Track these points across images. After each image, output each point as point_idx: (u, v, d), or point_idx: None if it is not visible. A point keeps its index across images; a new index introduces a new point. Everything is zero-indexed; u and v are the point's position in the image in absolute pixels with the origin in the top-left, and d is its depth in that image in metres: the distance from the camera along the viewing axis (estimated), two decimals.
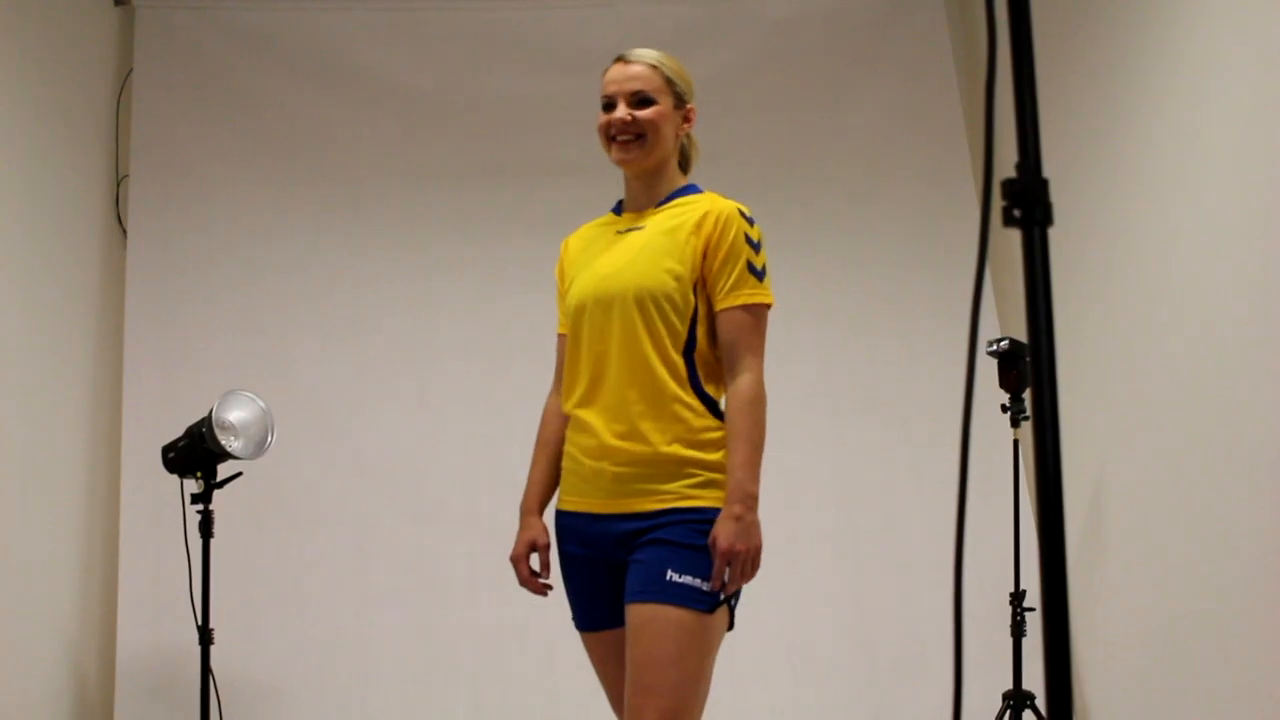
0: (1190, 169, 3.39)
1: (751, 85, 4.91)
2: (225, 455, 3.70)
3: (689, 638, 2.36)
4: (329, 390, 4.57)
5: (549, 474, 2.69)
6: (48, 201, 4.05)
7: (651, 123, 2.57)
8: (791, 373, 4.45)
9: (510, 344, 4.59)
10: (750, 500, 2.40)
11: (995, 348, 3.85)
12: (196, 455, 3.71)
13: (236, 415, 3.77)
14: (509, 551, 2.66)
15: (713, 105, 4.98)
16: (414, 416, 4.61)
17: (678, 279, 2.48)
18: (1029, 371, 1.28)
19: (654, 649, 2.35)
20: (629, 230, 2.61)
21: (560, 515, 2.63)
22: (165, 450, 3.77)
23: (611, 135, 2.59)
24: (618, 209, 2.70)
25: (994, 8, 1.31)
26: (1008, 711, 3.79)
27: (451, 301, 4.70)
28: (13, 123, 3.82)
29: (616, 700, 2.61)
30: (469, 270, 4.73)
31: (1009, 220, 1.29)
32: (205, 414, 3.72)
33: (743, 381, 2.47)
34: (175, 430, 3.80)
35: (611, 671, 2.59)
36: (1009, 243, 3.96)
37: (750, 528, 2.39)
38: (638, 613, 2.39)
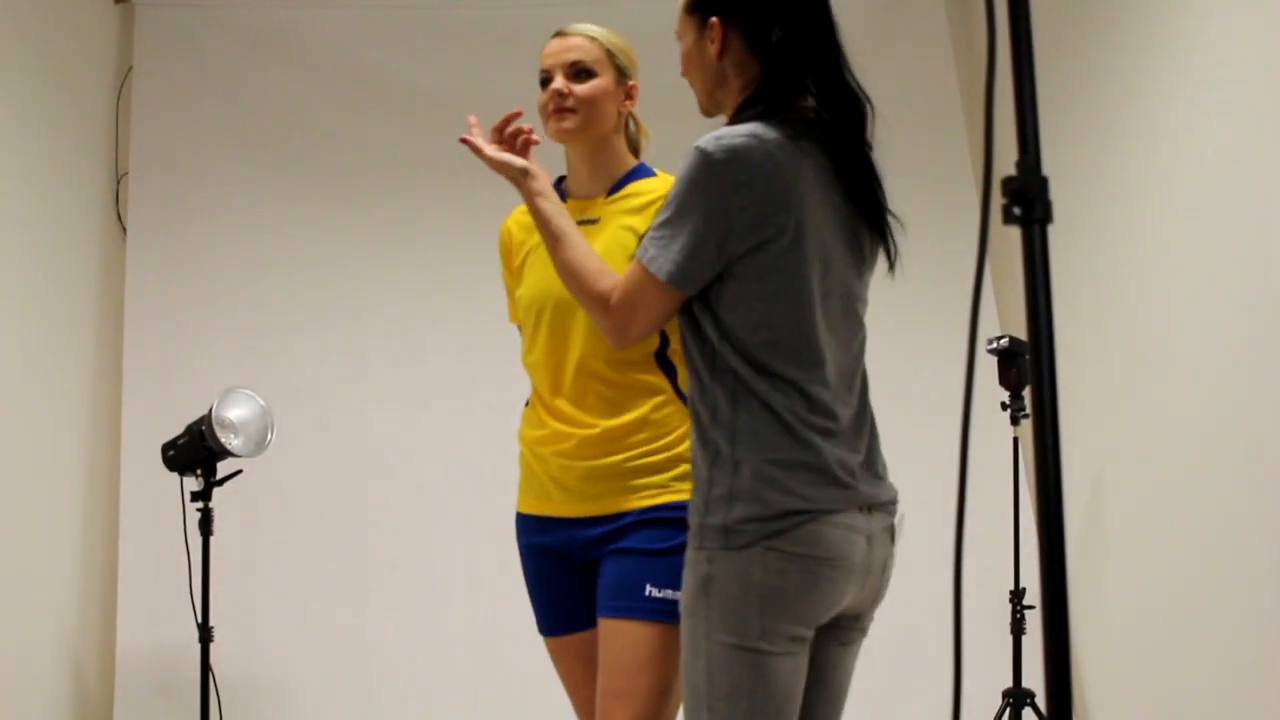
0: (1190, 166, 3.39)
1: None
2: (225, 453, 3.70)
3: (663, 648, 2.27)
4: (329, 388, 4.56)
5: None
6: (48, 199, 4.05)
7: (590, 97, 2.39)
8: None
9: (511, 343, 4.56)
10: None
11: (995, 345, 3.85)
12: (196, 453, 3.71)
13: (236, 413, 3.77)
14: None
15: None
16: (414, 415, 4.60)
17: None
18: (1029, 369, 1.28)
19: (625, 656, 2.28)
20: (581, 223, 2.37)
21: (522, 518, 2.53)
22: (165, 448, 3.77)
23: (550, 111, 2.40)
24: (559, 188, 2.46)
25: (994, 6, 1.30)
26: (1007, 709, 3.79)
27: (451, 300, 4.69)
28: (13, 120, 3.81)
29: (583, 711, 2.52)
30: (469, 269, 4.72)
31: (1009, 218, 1.29)
32: (205, 411, 3.72)
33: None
34: (175, 428, 3.80)
35: (579, 679, 2.49)
36: (1009, 240, 3.95)
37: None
38: (611, 626, 2.32)
